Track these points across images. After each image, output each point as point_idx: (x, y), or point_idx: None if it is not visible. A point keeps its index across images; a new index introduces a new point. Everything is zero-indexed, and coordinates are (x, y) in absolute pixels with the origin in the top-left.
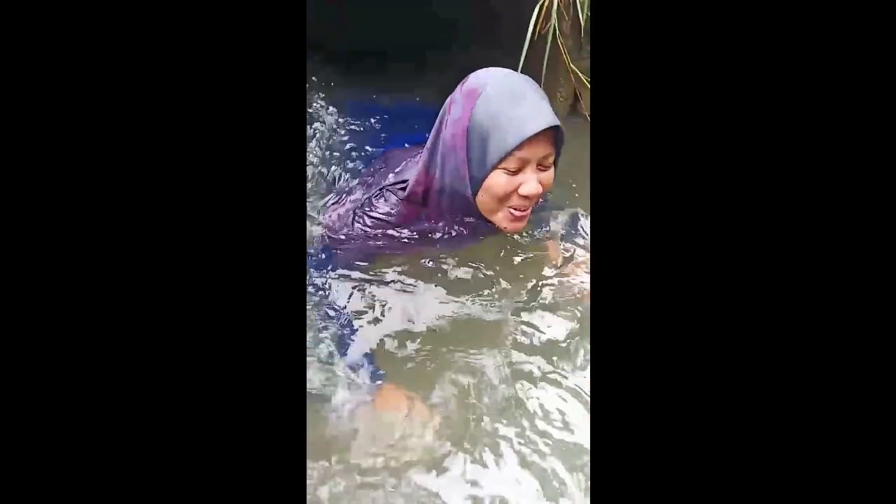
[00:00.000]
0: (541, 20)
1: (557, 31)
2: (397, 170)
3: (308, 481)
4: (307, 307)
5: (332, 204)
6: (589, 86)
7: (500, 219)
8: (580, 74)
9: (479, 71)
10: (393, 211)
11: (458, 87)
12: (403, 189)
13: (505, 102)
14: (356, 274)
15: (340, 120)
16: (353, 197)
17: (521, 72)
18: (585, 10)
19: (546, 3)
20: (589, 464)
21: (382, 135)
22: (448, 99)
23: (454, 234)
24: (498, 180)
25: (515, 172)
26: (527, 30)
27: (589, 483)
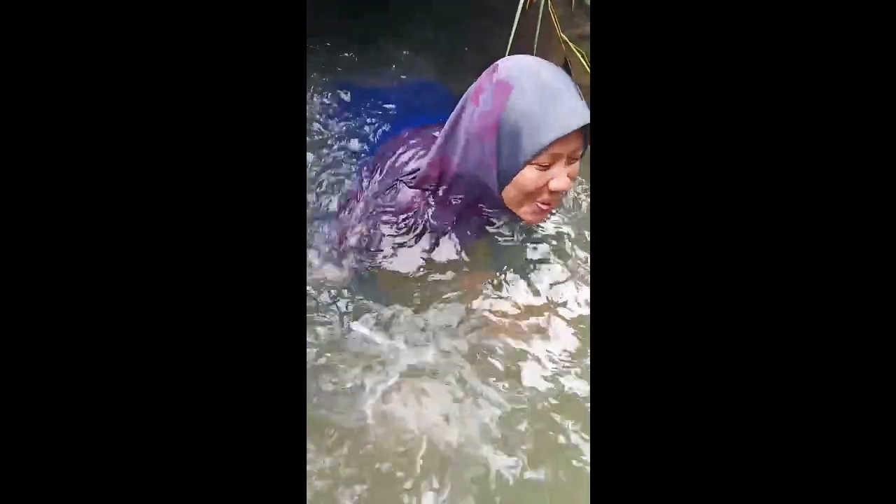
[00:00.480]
0: None
1: (549, 1)
2: (404, 159)
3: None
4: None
5: (346, 212)
6: (579, 55)
7: (525, 211)
8: (570, 44)
9: (507, 60)
10: (415, 200)
11: (486, 75)
12: (415, 177)
13: (539, 98)
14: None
15: (340, 119)
16: (368, 193)
17: (512, 41)
18: None
19: None
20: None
21: (384, 123)
22: (473, 87)
23: (459, 226)
24: (529, 176)
25: (547, 167)
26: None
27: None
